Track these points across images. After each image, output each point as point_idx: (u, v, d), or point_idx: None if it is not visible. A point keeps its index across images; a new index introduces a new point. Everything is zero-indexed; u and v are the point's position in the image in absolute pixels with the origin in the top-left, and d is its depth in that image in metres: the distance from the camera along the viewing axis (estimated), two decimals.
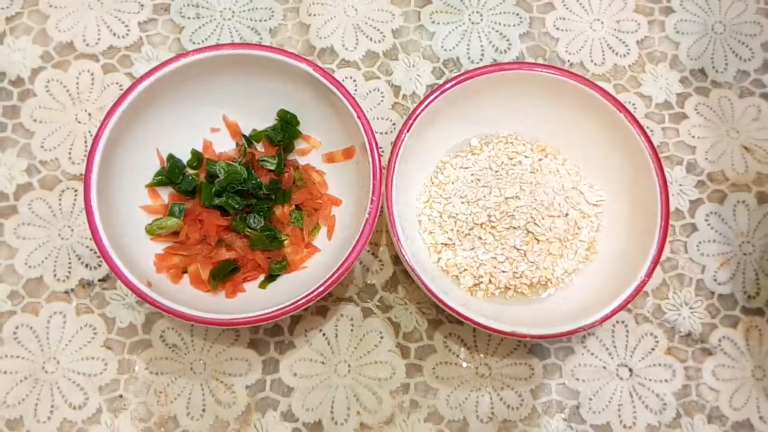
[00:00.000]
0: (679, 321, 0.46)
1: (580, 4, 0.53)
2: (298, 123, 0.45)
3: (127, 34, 0.50)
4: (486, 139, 0.46)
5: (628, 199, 0.44)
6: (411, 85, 0.50)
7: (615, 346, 0.45)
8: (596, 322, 0.39)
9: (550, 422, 0.43)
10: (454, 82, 0.42)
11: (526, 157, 0.45)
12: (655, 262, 0.40)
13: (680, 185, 0.49)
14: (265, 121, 0.46)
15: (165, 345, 0.44)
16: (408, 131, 0.41)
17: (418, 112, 0.42)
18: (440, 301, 0.39)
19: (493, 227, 0.43)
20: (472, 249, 0.43)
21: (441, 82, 0.50)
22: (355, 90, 0.50)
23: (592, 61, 0.51)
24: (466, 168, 0.45)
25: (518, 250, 0.43)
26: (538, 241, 0.43)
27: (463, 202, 0.44)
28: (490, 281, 0.43)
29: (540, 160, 0.45)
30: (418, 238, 0.44)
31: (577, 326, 0.39)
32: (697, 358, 0.45)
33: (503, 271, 0.43)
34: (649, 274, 0.39)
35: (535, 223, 0.43)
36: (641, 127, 0.42)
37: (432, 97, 0.42)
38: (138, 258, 0.41)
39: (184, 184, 0.44)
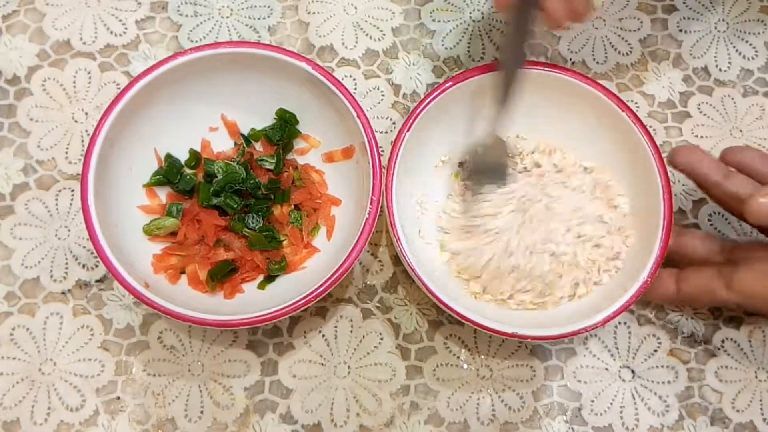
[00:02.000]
0: (682, 322, 0.45)
1: None
2: (297, 122, 0.45)
3: (124, 33, 0.50)
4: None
5: (631, 199, 0.43)
6: (411, 83, 0.50)
7: (617, 348, 0.44)
8: (598, 323, 0.38)
9: (551, 424, 0.43)
10: (453, 81, 0.42)
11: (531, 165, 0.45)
12: (658, 263, 0.39)
13: (683, 185, 0.48)
14: (264, 120, 0.45)
15: (162, 346, 0.43)
16: (408, 131, 0.41)
17: (418, 112, 0.41)
18: (441, 302, 0.38)
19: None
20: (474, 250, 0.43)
21: (441, 80, 0.50)
22: (355, 89, 0.49)
23: (594, 59, 0.51)
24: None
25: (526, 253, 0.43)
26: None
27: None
28: (491, 284, 0.42)
29: (545, 170, 0.45)
30: (419, 239, 0.44)
31: (579, 327, 0.38)
32: (700, 360, 0.45)
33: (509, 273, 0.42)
34: (652, 275, 0.39)
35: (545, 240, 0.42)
36: (644, 127, 0.42)
37: (433, 96, 0.41)
38: (135, 258, 0.40)
39: (182, 183, 0.43)
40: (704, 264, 0.41)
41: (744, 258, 0.40)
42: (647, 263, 0.39)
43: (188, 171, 0.44)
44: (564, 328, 0.38)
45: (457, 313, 0.38)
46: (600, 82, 0.43)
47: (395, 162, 0.40)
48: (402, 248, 0.39)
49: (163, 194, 0.44)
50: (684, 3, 0.53)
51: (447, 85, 0.42)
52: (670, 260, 0.42)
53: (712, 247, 0.42)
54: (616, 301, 0.39)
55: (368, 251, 0.46)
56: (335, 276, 0.38)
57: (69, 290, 0.44)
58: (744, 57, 0.51)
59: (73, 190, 0.46)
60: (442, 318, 0.44)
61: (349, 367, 0.43)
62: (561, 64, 0.51)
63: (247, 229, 0.42)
